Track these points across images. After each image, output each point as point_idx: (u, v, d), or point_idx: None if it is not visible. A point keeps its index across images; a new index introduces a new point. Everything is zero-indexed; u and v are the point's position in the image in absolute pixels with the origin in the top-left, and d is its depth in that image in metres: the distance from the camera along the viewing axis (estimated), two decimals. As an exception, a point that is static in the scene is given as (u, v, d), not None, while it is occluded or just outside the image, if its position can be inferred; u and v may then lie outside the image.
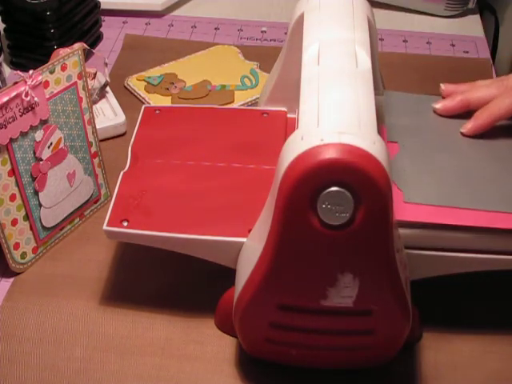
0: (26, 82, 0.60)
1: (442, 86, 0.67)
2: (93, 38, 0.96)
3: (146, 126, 0.69)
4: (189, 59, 0.93)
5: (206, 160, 0.65)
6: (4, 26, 0.91)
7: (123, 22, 1.03)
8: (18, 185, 0.63)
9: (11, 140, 0.61)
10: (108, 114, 0.83)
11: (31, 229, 0.66)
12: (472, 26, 1.04)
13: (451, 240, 0.55)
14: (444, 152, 0.61)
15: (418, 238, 0.55)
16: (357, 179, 0.45)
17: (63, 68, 0.64)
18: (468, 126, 0.63)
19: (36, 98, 0.61)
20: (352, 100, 0.50)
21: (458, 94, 0.65)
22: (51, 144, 0.65)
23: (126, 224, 0.59)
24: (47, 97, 0.63)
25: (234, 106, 0.85)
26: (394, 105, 0.66)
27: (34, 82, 0.61)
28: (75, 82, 0.66)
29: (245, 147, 0.66)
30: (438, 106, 0.65)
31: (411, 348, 0.61)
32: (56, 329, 0.62)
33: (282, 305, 0.52)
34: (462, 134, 0.63)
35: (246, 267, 0.54)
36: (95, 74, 0.83)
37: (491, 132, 0.63)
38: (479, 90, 0.64)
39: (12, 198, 0.63)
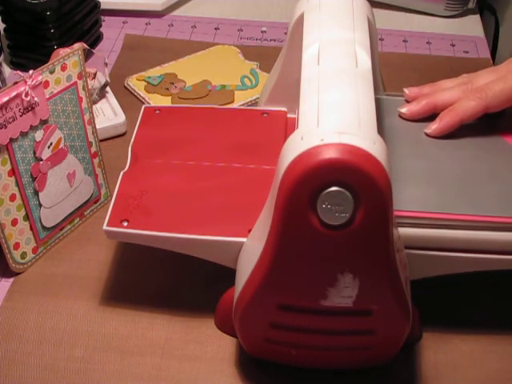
0: (25, 82, 0.60)
1: (406, 90, 0.66)
2: (93, 38, 0.96)
3: (146, 126, 0.69)
4: (189, 59, 0.93)
5: (206, 160, 0.65)
6: (4, 26, 0.91)
7: (123, 22, 1.03)
8: (18, 185, 0.63)
9: (11, 140, 0.61)
10: (108, 114, 0.83)
11: (31, 229, 0.66)
12: (472, 26, 1.04)
13: (451, 240, 0.56)
14: (410, 156, 0.61)
15: (418, 237, 0.55)
16: (357, 179, 0.45)
17: (63, 68, 0.64)
18: (433, 126, 0.62)
19: (36, 98, 0.61)
20: (352, 100, 0.50)
21: (423, 98, 0.64)
22: (51, 144, 0.65)
23: (125, 224, 0.59)
24: (47, 97, 0.63)
25: (234, 105, 0.85)
26: None
27: (34, 82, 0.61)
28: (75, 82, 0.66)
29: (245, 147, 0.66)
30: (404, 110, 0.64)
31: (411, 348, 0.61)
32: (56, 329, 0.62)
33: (282, 305, 0.52)
34: (427, 134, 0.63)
35: (246, 267, 0.54)
36: (95, 74, 0.83)
37: (457, 133, 0.63)
38: (444, 93, 0.64)
39: (12, 198, 0.63)
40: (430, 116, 0.64)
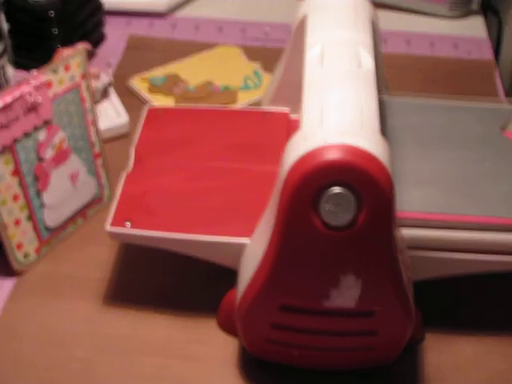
0: (29, 82, 0.60)
1: None
2: (96, 39, 0.96)
3: (149, 127, 0.69)
4: (192, 60, 0.93)
5: (209, 160, 0.65)
6: (8, 26, 0.91)
7: (127, 23, 1.03)
8: (21, 185, 0.64)
9: (15, 140, 0.61)
10: (111, 115, 0.83)
11: (34, 229, 0.66)
12: (475, 27, 1.04)
13: (454, 241, 0.55)
14: (413, 157, 0.61)
15: (421, 239, 0.55)
16: (359, 180, 0.45)
17: (66, 68, 0.64)
18: None
19: (39, 99, 0.61)
20: (355, 101, 0.50)
21: None
22: (54, 144, 0.65)
23: (128, 224, 0.59)
24: (50, 97, 0.63)
25: (237, 106, 0.85)
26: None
27: (38, 82, 0.61)
28: (78, 83, 0.66)
29: (247, 148, 0.66)
30: None
31: (414, 349, 0.61)
32: (58, 329, 0.62)
33: (285, 305, 0.52)
34: None
35: (248, 268, 0.54)
36: (98, 75, 0.83)
37: (461, 133, 0.62)
38: None
39: (15, 198, 0.64)
40: (431, 117, 0.64)
